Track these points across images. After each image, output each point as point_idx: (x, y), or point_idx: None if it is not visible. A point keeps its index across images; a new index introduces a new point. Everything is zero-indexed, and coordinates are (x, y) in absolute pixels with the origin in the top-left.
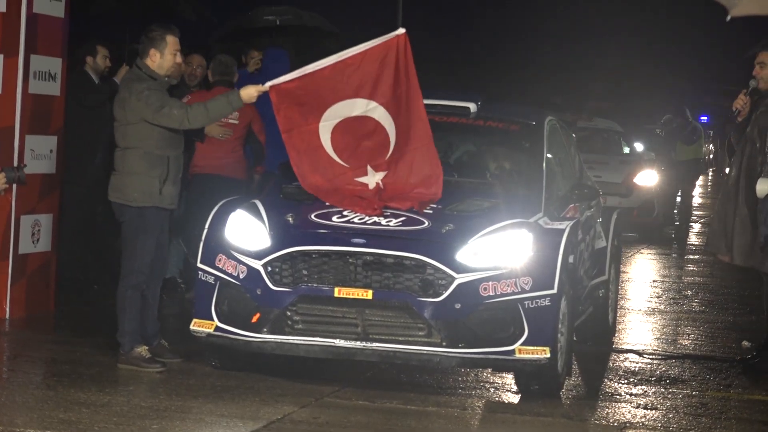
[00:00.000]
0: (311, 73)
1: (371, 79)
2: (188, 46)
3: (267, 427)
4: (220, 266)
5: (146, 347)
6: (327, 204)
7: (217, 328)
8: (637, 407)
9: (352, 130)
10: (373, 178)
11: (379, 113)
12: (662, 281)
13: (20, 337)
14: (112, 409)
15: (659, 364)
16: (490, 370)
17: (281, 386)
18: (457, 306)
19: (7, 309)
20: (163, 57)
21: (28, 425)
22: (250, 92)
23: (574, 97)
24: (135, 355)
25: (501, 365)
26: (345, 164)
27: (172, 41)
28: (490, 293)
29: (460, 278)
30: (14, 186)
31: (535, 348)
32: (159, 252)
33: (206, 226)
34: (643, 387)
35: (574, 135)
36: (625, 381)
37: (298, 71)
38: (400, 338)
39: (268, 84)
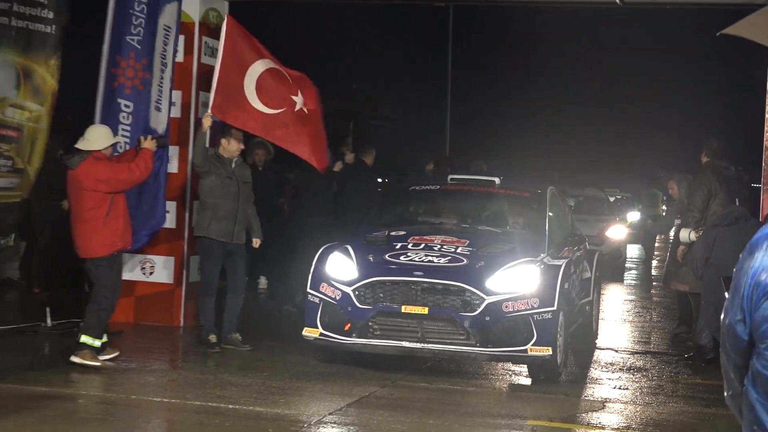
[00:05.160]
0: (218, 81)
1: (245, 50)
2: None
3: (358, 402)
4: (323, 291)
5: (213, 335)
6: (397, 248)
7: (321, 334)
8: (614, 388)
9: (266, 87)
10: (300, 100)
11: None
12: (631, 300)
13: (189, 339)
14: (253, 388)
15: (629, 358)
16: (510, 363)
17: (367, 373)
18: (487, 318)
19: (182, 320)
20: (229, 143)
21: (196, 398)
22: (206, 121)
23: (567, 172)
24: (203, 340)
25: (518, 360)
26: (280, 110)
27: (236, 133)
28: (510, 309)
29: (489, 299)
30: (185, 233)
31: (542, 348)
32: (232, 274)
33: (313, 264)
34: (618, 374)
35: (572, 204)
36: (606, 370)
37: (212, 88)
38: (448, 341)
39: (208, 111)
